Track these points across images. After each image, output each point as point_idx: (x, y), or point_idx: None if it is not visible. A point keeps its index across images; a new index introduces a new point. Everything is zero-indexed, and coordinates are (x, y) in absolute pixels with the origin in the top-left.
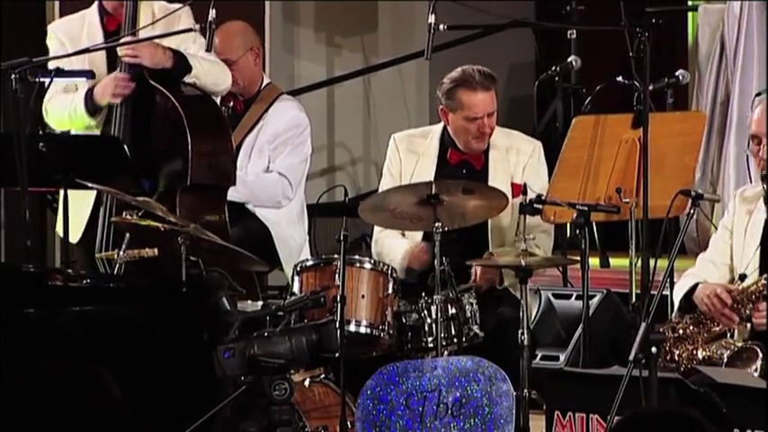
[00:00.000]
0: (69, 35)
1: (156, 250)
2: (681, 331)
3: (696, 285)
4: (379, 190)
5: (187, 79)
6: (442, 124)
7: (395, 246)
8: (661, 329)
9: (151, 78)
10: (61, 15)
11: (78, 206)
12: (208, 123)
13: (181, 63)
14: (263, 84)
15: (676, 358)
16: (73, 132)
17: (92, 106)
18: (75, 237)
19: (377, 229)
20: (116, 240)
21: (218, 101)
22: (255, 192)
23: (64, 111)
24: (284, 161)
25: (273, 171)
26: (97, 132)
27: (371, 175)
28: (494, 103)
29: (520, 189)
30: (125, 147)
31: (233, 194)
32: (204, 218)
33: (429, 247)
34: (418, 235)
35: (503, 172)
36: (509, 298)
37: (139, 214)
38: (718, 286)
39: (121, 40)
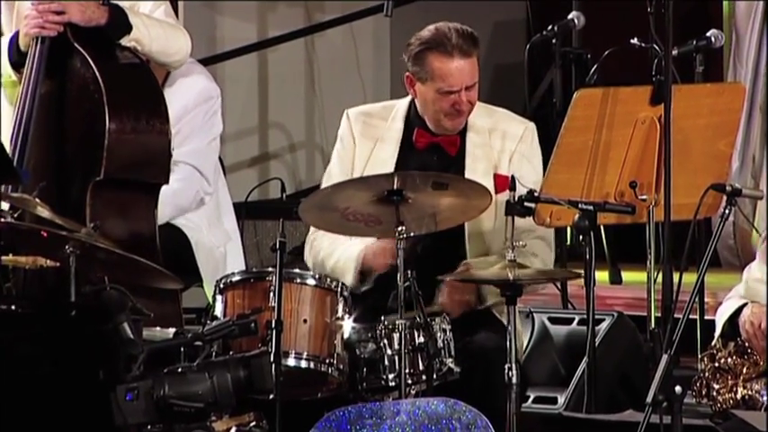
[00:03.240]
0: None
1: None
2: (722, 361)
3: (744, 306)
4: (325, 183)
5: (125, 42)
6: (407, 99)
7: (340, 245)
8: (700, 357)
9: (77, 37)
10: None
11: None
12: (137, 99)
13: (117, 20)
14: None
15: (714, 394)
16: None
17: (17, 55)
18: None
19: (312, 228)
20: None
21: None
22: (175, 199)
23: None
24: (189, 147)
25: (178, 162)
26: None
27: (316, 165)
28: (475, 72)
29: (506, 182)
30: None
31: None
32: (124, 225)
33: (391, 244)
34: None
35: (484, 160)
36: (493, 323)
37: (15, 215)
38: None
39: None
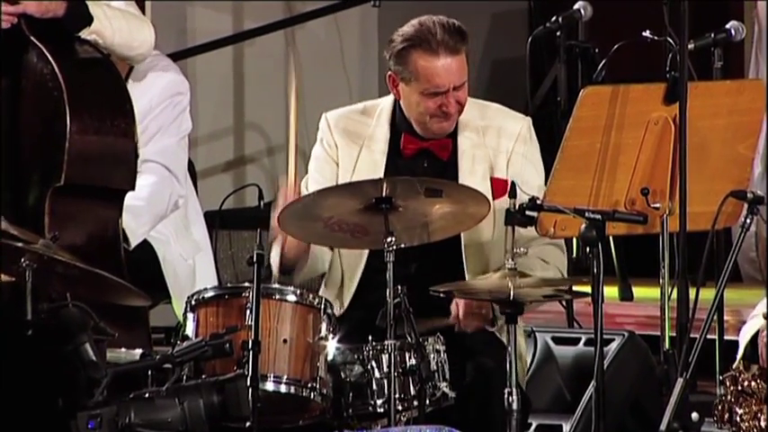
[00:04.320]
0: None
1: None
2: (745, 384)
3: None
4: (306, 190)
5: (85, 35)
6: (391, 99)
7: None
8: (721, 380)
9: (32, 30)
10: None
11: None
12: (100, 97)
13: (77, 11)
14: None
15: (738, 420)
16: None
17: None
18: None
19: None
20: None
21: None
22: (151, 208)
23: None
24: (157, 145)
25: (146, 161)
26: None
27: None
28: (463, 71)
29: (504, 187)
30: None
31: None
32: (86, 235)
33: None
34: (359, 258)
35: (479, 162)
36: (491, 343)
37: None
38: None
39: None
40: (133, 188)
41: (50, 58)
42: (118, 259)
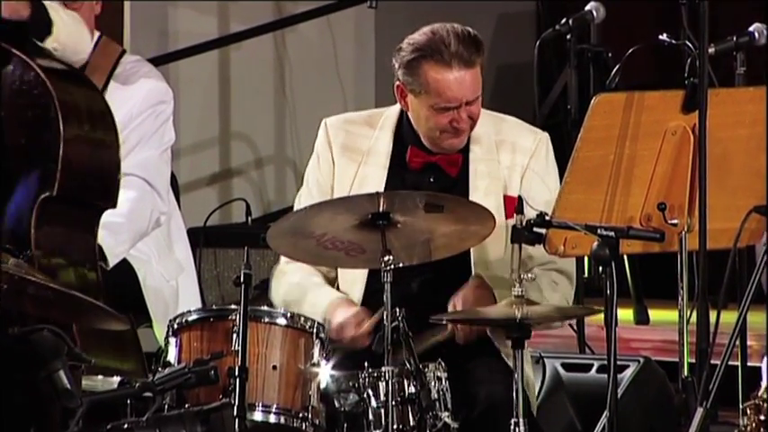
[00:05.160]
0: None
1: None
2: None
3: None
4: (299, 205)
5: (48, 44)
6: (397, 108)
7: (311, 289)
8: (742, 409)
9: (4, 36)
10: None
11: None
12: (88, 112)
13: (39, 17)
14: (94, 40)
15: None
16: None
17: None
18: None
19: (284, 260)
20: None
21: None
22: (131, 224)
23: None
24: (138, 157)
25: (125, 174)
26: None
27: (287, 184)
28: (477, 84)
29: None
30: None
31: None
32: (65, 254)
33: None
34: (358, 278)
35: (492, 180)
36: (497, 369)
37: None
38: None
39: None
40: (114, 205)
41: (33, 65)
42: (96, 282)
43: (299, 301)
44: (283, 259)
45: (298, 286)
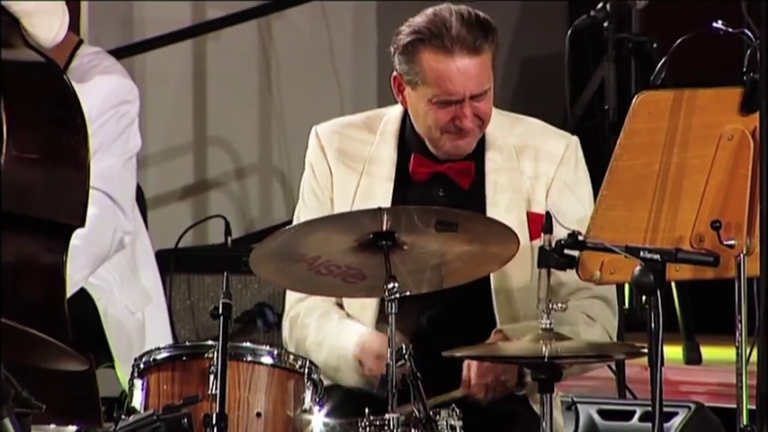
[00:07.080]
0: None
1: None
2: None
3: None
4: (293, 221)
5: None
6: (398, 109)
7: (331, 331)
8: None
9: None
10: None
11: None
12: (46, 110)
13: None
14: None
15: None
16: None
17: None
18: None
19: (293, 296)
20: None
21: None
22: (89, 247)
23: None
24: (96, 167)
25: None
26: None
27: (273, 198)
28: (485, 75)
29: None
30: None
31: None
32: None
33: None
34: (368, 302)
35: (513, 192)
36: (521, 415)
37: None
38: None
39: None
40: (83, 224)
41: None
42: (60, 314)
43: (320, 344)
44: (291, 296)
45: (318, 328)
